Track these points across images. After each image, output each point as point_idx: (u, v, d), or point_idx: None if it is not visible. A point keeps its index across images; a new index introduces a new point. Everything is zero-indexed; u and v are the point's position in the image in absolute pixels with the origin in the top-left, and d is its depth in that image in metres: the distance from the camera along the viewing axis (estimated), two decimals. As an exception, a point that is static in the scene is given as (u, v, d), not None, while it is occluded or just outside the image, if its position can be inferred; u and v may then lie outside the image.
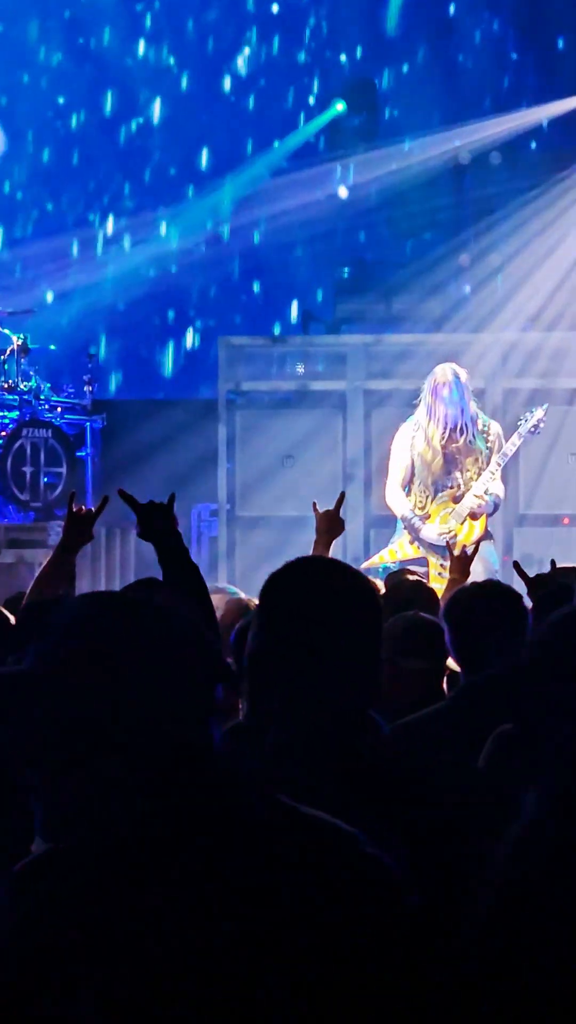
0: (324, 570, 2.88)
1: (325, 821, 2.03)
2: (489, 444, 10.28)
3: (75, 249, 15.13)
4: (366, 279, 13.81)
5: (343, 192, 14.33)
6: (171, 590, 4.35)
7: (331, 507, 6.46)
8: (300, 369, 12.09)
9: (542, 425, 10.47)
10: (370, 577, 3.77)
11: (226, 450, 12.45)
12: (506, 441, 10.38)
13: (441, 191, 14.03)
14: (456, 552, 7.20)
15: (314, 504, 6.51)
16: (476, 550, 7.43)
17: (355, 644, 2.74)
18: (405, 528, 10.35)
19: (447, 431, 10.08)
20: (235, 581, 11.24)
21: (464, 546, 8.11)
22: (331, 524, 6.40)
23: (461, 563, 7.00)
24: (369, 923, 1.92)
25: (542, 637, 2.55)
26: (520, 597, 4.86)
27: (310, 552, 6.25)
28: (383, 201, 14.11)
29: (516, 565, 5.89)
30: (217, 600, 7.33)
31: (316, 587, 2.80)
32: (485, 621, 4.67)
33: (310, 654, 2.69)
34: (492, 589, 4.95)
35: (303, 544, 6.60)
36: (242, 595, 7.28)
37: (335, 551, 6.49)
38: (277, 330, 14.95)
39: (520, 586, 5.47)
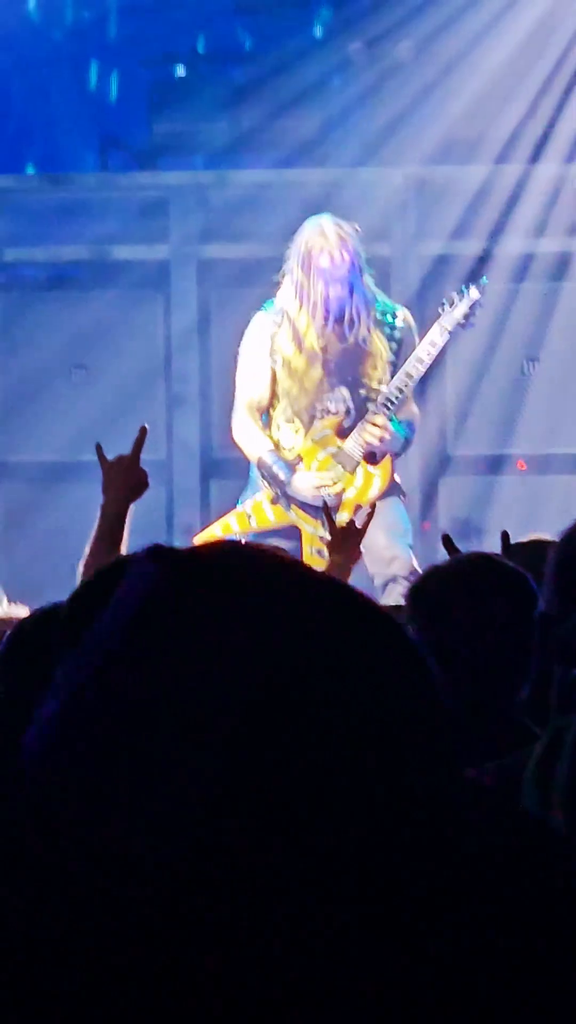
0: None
1: None
2: (396, 343, 8.82)
3: None
4: (198, 82, 11.73)
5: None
6: None
7: (126, 452, 5.41)
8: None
9: (479, 311, 8.93)
10: None
11: (-19, 355, 10.68)
12: (422, 339, 8.82)
13: None
14: (338, 519, 6.99)
15: (98, 447, 5.32)
16: (371, 516, 6.51)
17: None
18: (264, 479, 8.83)
19: (328, 323, 8.62)
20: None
21: (357, 506, 8.14)
22: (127, 479, 5.20)
23: (346, 538, 6.05)
24: None
25: None
26: (526, 579, 4.03)
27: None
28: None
29: (446, 540, 5.05)
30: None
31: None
32: (469, 618, 3.88)
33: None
34: (484, 568, 4.19)
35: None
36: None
37: (145, 513, 5.45)
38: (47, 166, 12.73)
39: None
